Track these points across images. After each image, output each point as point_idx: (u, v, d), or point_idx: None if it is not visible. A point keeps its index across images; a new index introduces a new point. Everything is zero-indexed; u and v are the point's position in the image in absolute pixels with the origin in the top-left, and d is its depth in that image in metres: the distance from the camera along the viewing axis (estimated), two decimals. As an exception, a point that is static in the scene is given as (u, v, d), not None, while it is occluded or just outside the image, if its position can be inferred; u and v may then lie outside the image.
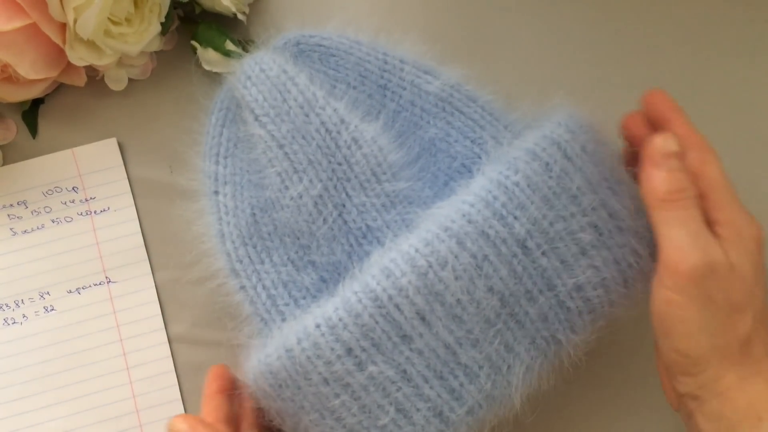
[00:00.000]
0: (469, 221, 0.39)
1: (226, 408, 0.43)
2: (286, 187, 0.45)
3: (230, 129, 0.47)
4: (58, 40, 0.46)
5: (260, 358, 0.41)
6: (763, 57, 0.52)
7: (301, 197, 0.45)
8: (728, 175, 0.41)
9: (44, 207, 0.51)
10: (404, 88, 0.47)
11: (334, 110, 0.45)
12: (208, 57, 0.49)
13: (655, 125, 0.43)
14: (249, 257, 0.45)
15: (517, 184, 0.40)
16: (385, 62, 0.47)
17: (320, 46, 0.47)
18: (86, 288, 0.51)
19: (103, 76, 0.50)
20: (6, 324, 0.50)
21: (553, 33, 0.52)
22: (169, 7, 0.49)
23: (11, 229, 0.51)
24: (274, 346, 0.40)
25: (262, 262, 0.45)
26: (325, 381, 0.39)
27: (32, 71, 0.47)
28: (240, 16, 0.50)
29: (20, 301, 0.50)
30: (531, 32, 0.53)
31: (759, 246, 0.40)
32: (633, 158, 0.43)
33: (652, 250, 0.41)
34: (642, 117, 0.44)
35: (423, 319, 0.39)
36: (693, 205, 0.39)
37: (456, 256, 0.39)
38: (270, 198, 0.46)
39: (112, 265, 0.51)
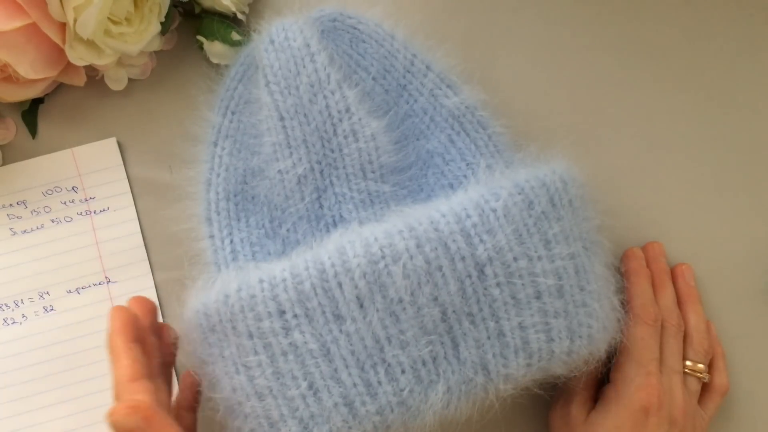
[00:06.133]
0: (435, 229, 0.39)
1: (142, 359, 0.40)
2: (276, 159, 0.45)
3: (245, 86, 0.47)
4: (58, 40, 0.46)
5: (200, 298, 0.41)
6: (764, 57, 0.52)
7: (287, 172, 0.45)
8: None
9: (44, 207, 0.51)
10: (422, 94, 0.47)
11: (343, 97, 0.44)
12: (215, 50, 0.49)
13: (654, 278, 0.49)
14: (227, 211, 0.47)
15: (494, 210, 0.39)
16: (412, 63, 0.47)
17: (355, 29, 0.47)
18: (86, 288, 0.51)
19: (103, 75, 0.50)
20: (6, 324, 0.50)
21: (554, 32, 0.53)
22: (169, 7, 0.49)
23: (11, 229, 0.51)
24: (216, 290, 0.41)
25: (238, 220, 0.47)
26: (250, 335, 0.39)
27: (32, 71, 0.47)
28: (240, 16, 0.50)
29: (20, 301, 0.50)
30: (531, 31, 0.53)
31: None
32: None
33: (609, 320, 0.43)
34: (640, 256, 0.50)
35: (361, 304, 0.38)
36: None
37: (411, 256, 0.38)
38: (259, 165, 0.46)
39: (112, 265, 0.51)
